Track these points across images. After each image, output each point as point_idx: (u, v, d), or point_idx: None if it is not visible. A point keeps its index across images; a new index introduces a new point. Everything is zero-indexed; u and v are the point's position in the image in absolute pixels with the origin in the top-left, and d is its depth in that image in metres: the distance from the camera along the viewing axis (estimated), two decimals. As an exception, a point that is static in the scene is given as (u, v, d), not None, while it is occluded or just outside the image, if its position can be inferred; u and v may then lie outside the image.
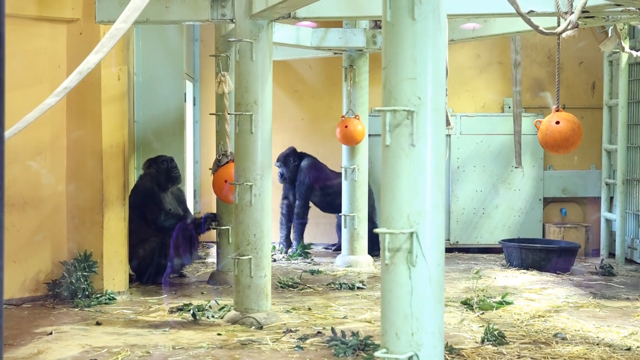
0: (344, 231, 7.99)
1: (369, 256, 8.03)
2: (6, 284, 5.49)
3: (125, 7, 3.76)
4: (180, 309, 5.69)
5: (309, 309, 5.85)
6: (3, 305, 1.87)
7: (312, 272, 7.43)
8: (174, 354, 4.60)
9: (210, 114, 6.90)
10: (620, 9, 5.09)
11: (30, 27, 6.00)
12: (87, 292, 5.96)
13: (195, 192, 9.29)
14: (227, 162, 5.76)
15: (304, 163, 8.75)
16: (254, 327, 5.17)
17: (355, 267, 7.77)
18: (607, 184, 8.74)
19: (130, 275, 6.57)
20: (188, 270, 7.47)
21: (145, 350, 4.66)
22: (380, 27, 7.36)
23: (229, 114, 5.77)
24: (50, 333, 5.07)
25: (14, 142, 4.85)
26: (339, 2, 5.52)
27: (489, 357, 4.58)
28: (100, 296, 6.01)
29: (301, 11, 5.45)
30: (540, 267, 7.68)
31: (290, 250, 8.63)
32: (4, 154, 1.94)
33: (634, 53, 6.89)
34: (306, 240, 8.77)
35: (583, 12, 4.92)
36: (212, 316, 5.46)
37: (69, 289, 5.94)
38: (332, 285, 6.77)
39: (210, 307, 5.66)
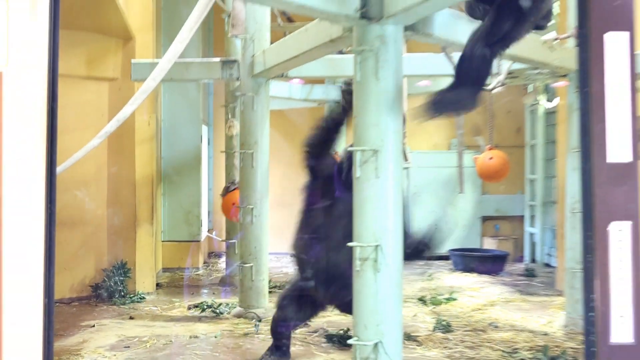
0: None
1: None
2: (58, 286, 5.43)
3: (154, 69, 3.77)
4: (196, 306, 5.64)
5: (298, 305, 5.79)
6: (54, 304, 1.86)
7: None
8: (191, 342, 4.55)
9: (221, 152, 6.89)
10: (536, 71, 5.16)
11: (80, 84, 6.00)
12: (122, 293, 5.91)
13: (209, 213, 9.25)
14: (234, 189, 5.77)
15: None
16: (254, 320, 5.13)
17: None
18: (530, 205, 8.78)
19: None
20: (202, 275, 7.41)
21: (168, 339, 4.61)
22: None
23: (235, 152, 5.76)
24: (93, 326, 5.01)
25: (65, 176, 4.81)
26: (322, 64, 5.54)
27: (439, 342, 4.56)
28: (133, 296, 5.95)
29: (292, 72, 5.47)
30: (479, 271, 7.67)
31: None
32: (56, 185, 1.94)
33: (548, 104, 6.96)
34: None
35: (509, 73, 4.99)
36: (222, 312, 5.41)
37: (108, 291, 5.89)
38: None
39: (221, 305, 5.61)
